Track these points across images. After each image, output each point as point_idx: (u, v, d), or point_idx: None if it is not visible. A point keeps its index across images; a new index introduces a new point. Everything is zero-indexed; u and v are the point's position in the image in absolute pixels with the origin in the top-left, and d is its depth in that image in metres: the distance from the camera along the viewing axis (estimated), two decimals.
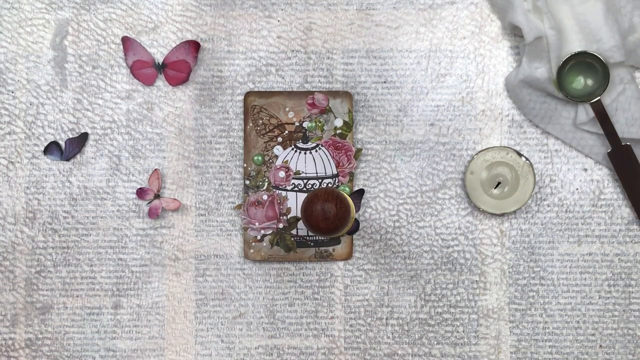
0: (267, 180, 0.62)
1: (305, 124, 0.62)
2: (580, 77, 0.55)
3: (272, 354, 0.63)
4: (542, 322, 0.62)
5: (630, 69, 0.57)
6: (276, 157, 0.62)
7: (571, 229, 0.62)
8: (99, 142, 0.63)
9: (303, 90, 0.63)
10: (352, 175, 0.62)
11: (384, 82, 0.63)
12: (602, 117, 0.55)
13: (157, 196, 0.62)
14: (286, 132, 0.62)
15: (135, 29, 0.63)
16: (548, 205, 0.62)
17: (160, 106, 0.63)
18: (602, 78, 0.55)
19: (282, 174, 0.62)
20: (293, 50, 0.63)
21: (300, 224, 0.62)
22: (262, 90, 0.63)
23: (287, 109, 0.62)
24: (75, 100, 0.63)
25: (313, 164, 0.62)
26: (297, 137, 0.62)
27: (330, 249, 0.62)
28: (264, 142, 0.62)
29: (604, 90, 0.54)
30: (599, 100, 0.55)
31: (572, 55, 0.54)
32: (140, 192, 0.62)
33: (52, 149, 0.63)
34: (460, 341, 0.62)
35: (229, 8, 0.63)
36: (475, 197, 0.61)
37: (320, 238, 0.62)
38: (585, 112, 0.57)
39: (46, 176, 0.63)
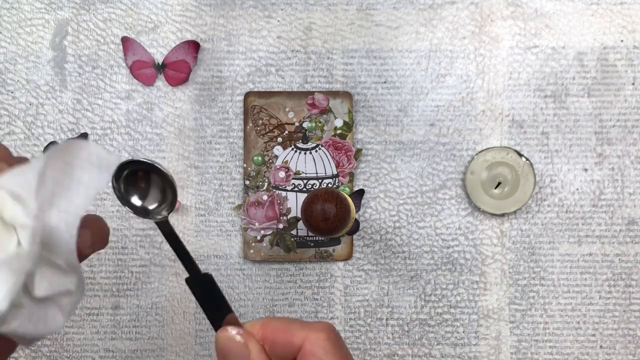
0: (267, 180, 0.62)
1: (305, 124, 0.62)
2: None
3: None
4: (543, 323, 0.62)
5: None
6: (276, 157, 0.62)
7: (571, 229, 0.62)
8: (99, 142, 0.63)
9: (303, 91, 0.62)
10: (352, 175, 0.62)
11: (384, 82, 0.63)
12: (174, 239, 0.40)
13: None
14: (286, 132, 0.62)
15: (135, 29, 0.63)
16: (548, 206, 0.62)
17: (160, 106, 0.63)
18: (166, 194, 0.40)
19: (282, 174, 0.62)
20: (293, 50, 0.63)
21: (300, 225, 0.62)
22: (262, 90, 0.63)
23: (287, 109, 0.62)
24: (75, 100, 0.63)
25: (313, 164, 0.62)
26: (297, 137, 0.62)
27: (330, 249, 0.62)
28: (264, 143, 0.62)
29: (171, 209, 0.40)
30: (167, 219, 0.40)
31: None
32: None
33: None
34: (460, 342, 0.62)
35: (229, 8, 0.63)
36: (475, 197, 0.61)
37: (320, 238, 0.62)
38: None
39: None
